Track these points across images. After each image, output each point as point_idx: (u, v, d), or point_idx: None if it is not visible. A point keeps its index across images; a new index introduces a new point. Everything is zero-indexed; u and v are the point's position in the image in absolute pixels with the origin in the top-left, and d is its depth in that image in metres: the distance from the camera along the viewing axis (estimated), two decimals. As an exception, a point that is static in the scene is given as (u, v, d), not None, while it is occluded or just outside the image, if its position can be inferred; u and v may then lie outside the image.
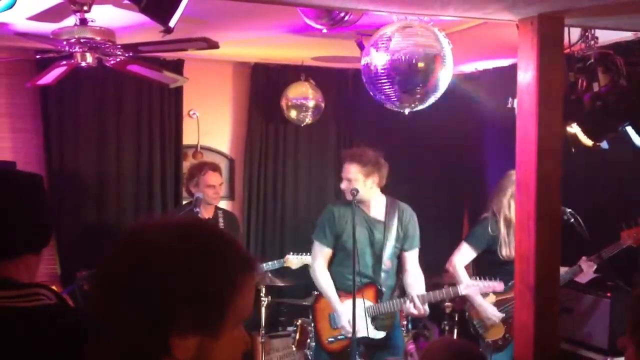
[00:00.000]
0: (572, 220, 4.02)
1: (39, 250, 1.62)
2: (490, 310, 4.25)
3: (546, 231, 2.55)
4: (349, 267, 3.85)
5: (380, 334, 4.08)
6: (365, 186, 3.96)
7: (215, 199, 4.64)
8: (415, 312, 3.95)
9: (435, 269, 4.63)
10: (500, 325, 4.28)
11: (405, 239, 4.11)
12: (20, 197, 1.59)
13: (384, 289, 4.04)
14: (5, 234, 1.55)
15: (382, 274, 4.02)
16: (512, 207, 4.12)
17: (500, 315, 4.24)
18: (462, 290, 4.10)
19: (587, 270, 4.14)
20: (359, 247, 3.91)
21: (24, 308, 1.49)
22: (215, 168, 4.68)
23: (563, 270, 4.04)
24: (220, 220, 4.69)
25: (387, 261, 4.04)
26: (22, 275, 1.55)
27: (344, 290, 4.02)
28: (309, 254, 4.37)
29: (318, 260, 4.11)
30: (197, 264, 1.11)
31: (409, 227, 4.11)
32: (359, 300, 3.86)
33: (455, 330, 4.86)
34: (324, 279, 4.07)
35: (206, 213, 4.66)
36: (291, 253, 4.89)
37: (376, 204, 4.09)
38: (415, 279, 4.10)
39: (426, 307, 3.99)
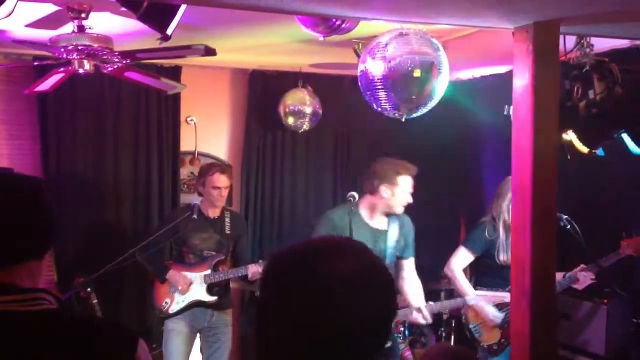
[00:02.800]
0: (569, 227, 4.02)
1: (41, 256, 1.61)
2: (491, 312, 4.26)
3: (542, 238, 2.55)
4: None
5: (388, 343, 4.09)
6: None
7: (219, 200, 4.60)
8: (423, 322, 3.99)
9: (433, 276, 4.64)
10: (496, 330, 4.29)
11: (404, 248, 4.13)
12: (23, 202, 1.58)
13: None
14: (8, 242, 1.54)
15: None
16: (511, 212, 4.13)
17: (501, 315, 4.24)
18: (471, 301, 4.12)
19: (585, 280, 4.15)
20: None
21: (26, 312, 1.50)
22: (224, 170, 4.63)
23: (560, 276, 4.05)
24: (227, 220, 4.68)
25: (392, 271, 4.05)
26: (25, 281, 1.56)
27: None
28: None
29: None
30: (380, 292, 1.16)
31: (409, 236, 4.14)
32: None
33: (453, 337, 4.87)
34: None
35: (212, 213, 4.65)
36: None
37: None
38: (413, 287, 4.12)
39: (429, 316, 4.03)
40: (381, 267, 1.23)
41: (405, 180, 3.91)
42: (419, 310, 3.93)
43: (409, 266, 4.16)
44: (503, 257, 4.23)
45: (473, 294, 4.30)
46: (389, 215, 4.03)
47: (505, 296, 4.16)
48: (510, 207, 4.12)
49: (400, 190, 3.90)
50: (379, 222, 4.05)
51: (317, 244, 1.27)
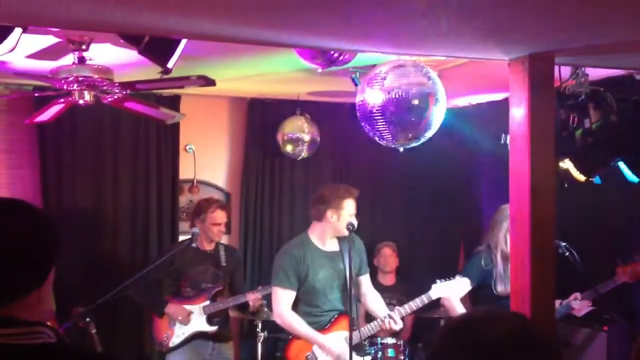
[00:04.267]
0: (567, 253, 4.02)
1: (40, 285, 1.60)
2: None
3: (541, 267, 2.56)
4: (317, 306, 4.02)
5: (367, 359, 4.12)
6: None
7: (218, 235, 4.69)
8: (396, 327, 4.02)
9: (431, 304, 4.62)
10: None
11: (360, 265, 4.20)
12: (22, 236, 1.54)
13: (354, 316, 4.04)
14: (6, 280, 1.53)
15: (353, 302, 3.99)
16: (508, 241, 4.12)
17: None
18: (433, 294, 4.12)
19: (581, 307, 4.15)
20: (325, 283, 4.03)
21: (24, 346, 1.49)
22: (223, 206, 4.71)
23: (556, 303, 4.04)
24: (222, 253, 4.70)
25: (353, 289, 4.05)
26: (24, 313, 1.55)
27: (316, 328, 4.03)
28: None
29: (283, 304, 4.03)
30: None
31: (362, 252, 4.22)
32: (336, 334, 4.00)
33: None
34: (296, 320, 4.02)
35: (207, 246, 4.68)
36: None
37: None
38: (376, 300, 4.23)
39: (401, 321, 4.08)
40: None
41: (349, 203, 4.00)
42: (390, 316, 3.97)
43: (367, 281, 4.28)
44: (500, 287, 4.16)
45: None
46: (338, 237, 4.08)
47: (462, 280, 4.19)
48: (507, 236, 4.11)
49: (346, 213, 3.99)
50: (330, 245, 4.11)
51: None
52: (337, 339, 4.01)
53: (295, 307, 4.07)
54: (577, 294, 4.15)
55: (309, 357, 4.05)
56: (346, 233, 3.95)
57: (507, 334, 1.28)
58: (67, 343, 1.70)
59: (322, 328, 4.02)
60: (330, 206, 3.99)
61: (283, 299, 4.03)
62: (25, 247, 1.55)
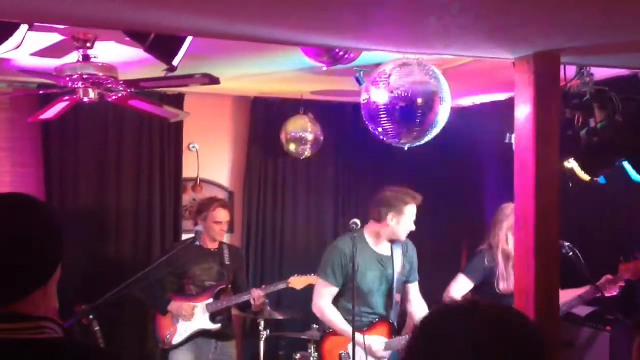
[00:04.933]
0: (571, 254, 4.02)
1: (45, 282, 1.58)
2: None
3: (545, 267, 2.56)
4: (360, 306, 3.87)
5: None
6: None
7: (220, 234, 4.70)
8: None
9: (434, 303, 4.62)
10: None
11: (410, 272, 4.16)
12: (30, 232, 1.53)
13: (395, 324, 4.04)
14: (10, 280, 1.53)
15: (394, 309, 4.01)
16: (510, 240, 4.13)
17: None
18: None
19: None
20: (372, 285, 3.98)
21: (30, 340, 1.49)
22: (224, 205, 4.74)
23: (582, 290, 4.04)
24: (226, 253, 4.71)
25: (396, 295, 4.05)
26: (28, 308, 1.55)
27: (357, 328, 3.90)
28: (313, 274, 4.38)
29: (325, 299, 4.02)
30: None
31: (413, 260, 4.17)
32: (375, 338, 3.95)
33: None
34: (336, 316, 3.99)
35: (211, 245, 4.68)
36: (295, 275, 4.86)
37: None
38: (420, 308, 4.17)
39: None
40: None
41: (412, 209, 3.96)
42: None
43: (415, 289, 4.21)
44: (503, 285, 4.19)
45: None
46: (392, 241, 4.05)
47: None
48: (509, 235, 4.13)
49: (407, 219, 3.95)
50: (383, 248, 4.07)
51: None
52: (377, 342, 3.97)
53: (336, 301, 4.04)
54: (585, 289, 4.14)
55: (342, 355, 3.92)
56: (403, 239, 3.97)
57: (486, 323, 1.25)
58: (74, 339, 1.71)
59: (360, 330, 3.88)
60: (392, 210, 3.95)
61: (325, 293, 4.02)
62: (32, 243, 1.55)
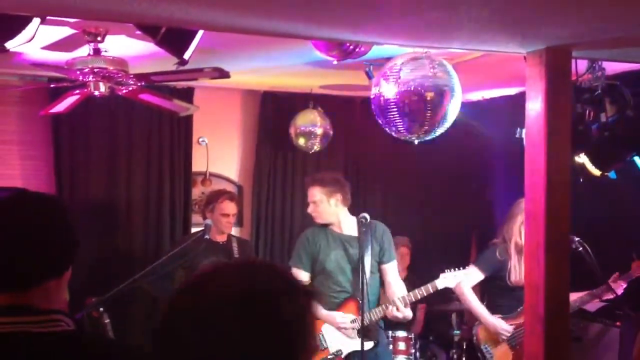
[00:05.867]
0: (581, 248, 4.02)
1: (60, 275, 1.60)
2: (498, 325, 4.27)
3: (556, 261, 2.56)
4: (330, 287, 4.10)
5: (369, 344, 4.10)
6: (330, 205, 4.15)
7: (227, 227, 4.70)
8: (399, 315, 4.01)
9: (444, 297, 4.62)
10: (507, 351, 4.28)
11: (382, 253, 4.19)
12: (40, 222, 1.56)
13: (365, 301, 4.05)
14: (22, 265, 1.54)
15: (364, 287, 4.02)
16: (522, 233, 4.15)
17: (510, 328, 4.23)
18: (440, 283, 4.11)
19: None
20: (337, 265, 4.11)
21: (41, 334, 1.50)
22: (232, 197, 4.74)
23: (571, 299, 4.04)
24: (235, 246, 4.72)
25: (368, 274, 4.06)
26: (42, 301, 1.55)
27: (327, 309, 4.11)
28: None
29: None
30: None
31: (384, 240, 4.21)
32: (343, 315, 4.08)
33: (464, 358, 4.85)
34: None
35: (220, 238, 4.69)
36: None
37: (346, 222, 4.20)
38: (397, 290, 4.17)
39: (408, 310, 4.06)
40: None
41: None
42: (393, 303, 4.00)
43: (391, 270, 4.24)
44: (514, 277, 4.25)
45: (485, 312, 4.31)
46: (359, 222, 4.07)
47: (470, 271, 4.27)
48: (522, 229, 4.14)
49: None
50: (347, 229, 4.19)
51: None
52: (344, 319, 4.09)
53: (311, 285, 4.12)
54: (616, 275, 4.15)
55: (320, 337, 4.11)
56: (319, 221, 4.14)
57: (225, 287, 1.18)
58: (85, 331, 1.71)
59: (331, 310, 4.09)
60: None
61: (297, 277, 4.08)
62: (46, 234, 1.57)
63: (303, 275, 4.16)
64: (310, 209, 4.21)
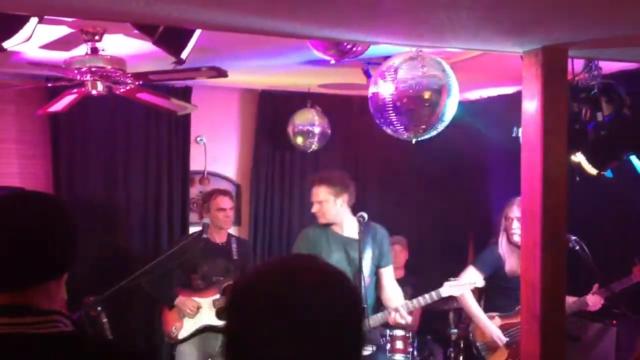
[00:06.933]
0: (577, 247, 4.03)
1: (60, 275, 1.61)
2: (495, 333, 4.29)
3: (552, 260, 2.56)
4: None
5: (368, 349, 4.10)
6: (336, 206, 4.07)
7: (226, 222, 4.68)
8: (402, 321, 4.01)
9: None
10: (503, 350, 4.30)
11: (380, 257, 4.17)
12: (41, 222, 1.56)
13: (364, 305, 4.05)
14: (26, 264, 1.54)
15: (363, 291, 4.02)
16: (521, 234, 4.17)
17: (505, 339, 4.26)
18: (444, 292, 4.12)
19: (595, 303, 4.15)
20: (338, 266, 3.96)
21: (40, 335, 1.50)
22: (225, 192, 4.77)
23: (571, 300, 4.05)
24: (234, 246, 4.72)
25: (367, 278, 4.06)
26: (42, 301, 1.55)
27: None
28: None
29: None
30: None
31: (383, 244, 4.18)
32: None
33: (462, 357, 4.86)
34: None
35: (219, 238, 4.69)
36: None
37: (348, 223, 4.14)
38: (393, 294, 4.16)
39: (410, 316, 4.05)
40: None
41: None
42: (396, 310, 3.96)
43: (387, 274, 4.21)
44: (507, 267, 4.30)
45: (483, 317, 4.33)
46: (360, 224, 4.04)
47: (475, 280, 4.26)
48: (514, 224, 4.20)
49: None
50: (349, 231, 4.12)
51: None
52: None
53: None
54: (596, 286, 4.17)
55: None
56: (322, 221, 4.06)
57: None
58: (85, 332, 1.72)
59: None
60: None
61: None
62: (47, 234, 1.57)
63: None
64: (314, 209, 4.13)
